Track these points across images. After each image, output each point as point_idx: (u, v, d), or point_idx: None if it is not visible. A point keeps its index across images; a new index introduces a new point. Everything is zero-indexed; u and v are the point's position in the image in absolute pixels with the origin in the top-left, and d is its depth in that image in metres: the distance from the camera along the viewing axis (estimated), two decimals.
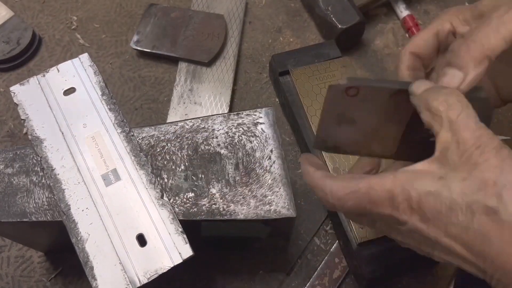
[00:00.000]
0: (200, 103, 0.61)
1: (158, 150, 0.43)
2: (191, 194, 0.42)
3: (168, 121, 0.60)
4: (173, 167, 0.43)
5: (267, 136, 0.44)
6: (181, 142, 0.44)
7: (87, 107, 0.44)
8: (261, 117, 0.45)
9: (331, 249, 0.53)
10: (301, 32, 0.68)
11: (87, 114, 0.44)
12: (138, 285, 0.37)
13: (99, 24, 0.69)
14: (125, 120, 0.44)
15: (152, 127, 0.45)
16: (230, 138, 0.44)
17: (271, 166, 0.43)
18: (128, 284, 0.37)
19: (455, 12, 0.37)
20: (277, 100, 0.63)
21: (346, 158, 0.52)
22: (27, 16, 0.70)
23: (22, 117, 0.44)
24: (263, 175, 0.42)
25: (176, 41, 0.64)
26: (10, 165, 0.43)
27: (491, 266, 0.29)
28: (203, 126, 0.45)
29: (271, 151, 0.43)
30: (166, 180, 0.42)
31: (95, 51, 0.67)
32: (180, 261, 0.38)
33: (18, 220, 0.41)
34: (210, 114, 0.53)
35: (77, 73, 0.46)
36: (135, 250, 0.38)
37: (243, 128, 0.44)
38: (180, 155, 0.43)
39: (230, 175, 0.42)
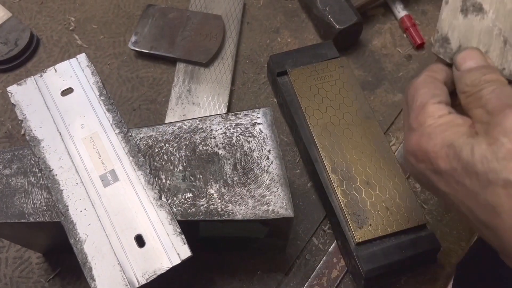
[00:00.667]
0: (198, 103, 0.61)
1: (156, 150, 0.44)
2: (189, 195, 0.42)
3: (166, 121, 0.60)
4: (171, 167, 0.43)
5: (265, 136, 0.44)
6: (179, 142, 0.44)
7: (85, 107, 0.44)
8: (259, 118, 0.45)
9: (330, 249, 0.53)
10: (299, 33, 0.68)
11: (85, 114, 0.44)
12: (137, 285, 0.37)
13: (97, 25, 0.69)
14: (123, 121, 0.44)
15: (150, 128, 0.45)
16: (228, 139, 0.44)
17: (269, 166, 0.43)
18: (126, 285, 0.37)
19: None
20: (275, 100, 0.63)
21: (344, 158, 0.52)
22: (25, 17, 0.70)
23: (20, 118, 0.44)
24: (261, 175, 0.42)
25: (174, 41, 0.64)
26: (8, 166, 0.43)
27: (497, 239, 0.27)
28: (201, 126, 0.45)
29: (269, 151, 0.43)
30: (164, 180, 0.42)
31: (93, 52, 0.67)
32: (179, 261, 0.38)
33: (16, 221, 0.41)
34: (208, 115, 0.53)
35: (75, 73, 0.46)
36: (134, 251, 0.38)
37: (241, 129, 0.44)
38: (178, 156, 0.43)
39: (228, 175, 0.42)
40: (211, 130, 0.44)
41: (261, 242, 0.49)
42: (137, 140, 0.44)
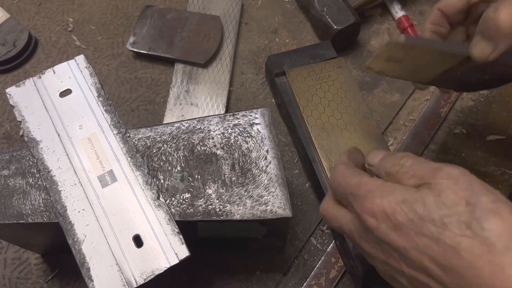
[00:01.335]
0: (197, 104, 0.61)
1: (154, 151, 0.44)
2: (187, 195, 0.42)
3: (164, 122, 0.60)
4: (169, 168, 0.43)
5: (263, 136, 0.44)
6: (177, 143, 0.44)
7: (83, 108, 0.44)
8: (257, 118, 0.45)
9: (328, 249, 0.53)
10: (297, 33, 0.68)
11: (83, 115, 0.44)
12: (135, 285, 0.37)
13: (95, 26, 0.69)
14: (121, 122, 0.44)
15: (148, 128, 0.45)
16: (226, 139, 0.44)
17: (267, 166, 0.43)
18: (124, 285, 0.37)
19: None
20: (273, 100, 0.63)
21: None
22: (23, 18, 0.70)
23: (18, 119, 0.44)
24: (259, 176, 0.42)
25: (172, 42, 0.65)
26: (6, 167, 0.43)
27: (460, 280, 0.29)
28: (199, 127, 0.45)
29: (267, 151, 0.43)
30: (162, 181, 0.42)
31: (92, 53, 0.67)
32: (177, 261, 0.38)
33: (15, 222, 0.41)
34: (206, 115, 0.53)
35: (73, 74, 0.46)
36: (132, 251, 0.38)
37: (239, 129, 0.44)
38: (176, 156, 0.43)
39: (226, 175, 0.42)
40: (209, 130, 0.44)
41: (260, 242, 0.49)
42: (135, 140, 0.44)
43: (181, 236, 0.39)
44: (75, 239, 0.39)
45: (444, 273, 0.30)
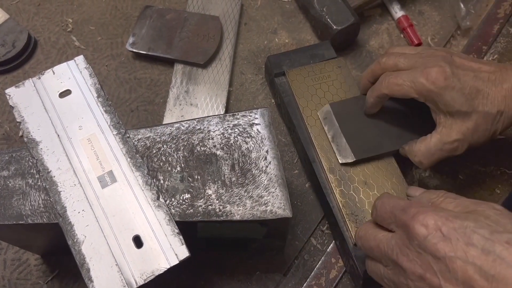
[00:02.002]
0: (196, 104, 0.61)
1: (154, 151, 0.44)
2: (187, 195, 0.42)
3: (164, 122, 0.60)
4: (169, 168, 0.43)
5: (262, 137, 0.44)
6: (177, 143, 0.44)
7: (83, 109, 0.44)
8: (256, 118, 0.45)
9: (328, 249, 0.53)
10: (297, 33, 0.68)
11: (83, 116, 0.44)
12: (135, 286, 0.37)
13: (94, 26, 0.69)
14: (120, 122, 0.44)
15: (148, 129, 0.45)
16: (226, 139, 0.44)
17: (267, 166, 0.43)
18: (124, 286, 0.37)
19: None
20: (273, 101, 0.63)
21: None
22: (22, 19, 0.70)
23: (18, 120, 0.44)
24: (259, 176, 0.42)
25: (172, 42, 0.64)
26: (6, 168, 0.43)
27: None
28: (199, 127, 0.45)
29: (267, 151, 0.43)
30: (162, 181, 0.42)
31: (91, 53, 0.67)
32: (177, 262, 0.38)
33: (14, 222, 0.41)
34: (206, 116, 0.53)
35: (73, 75, 0.46)
36: (132, 252, 0.38)
37: (239, 129, 0.44)
38: (176, 157, 0.43)
39: (226, 176, 0.42)
40: (209, 131, 0.44)
41: (260, 242, 0.49)
42: (135, 141, 0.44)
43: (181, 237, 0.39)
44: (75, 240, 0.39)
45: (488, 284, 0.31)
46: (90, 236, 0.39)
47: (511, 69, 0.46)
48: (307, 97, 0.56)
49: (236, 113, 0.45)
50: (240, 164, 0.43)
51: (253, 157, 0.43)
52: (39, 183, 0.42)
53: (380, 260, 0.39)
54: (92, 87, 0.45)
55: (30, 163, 0.43)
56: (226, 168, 0.43)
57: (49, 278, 0.52)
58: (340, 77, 0.57)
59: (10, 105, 0.44)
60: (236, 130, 0.44)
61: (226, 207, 0.41)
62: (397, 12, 0.68)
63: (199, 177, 0.42)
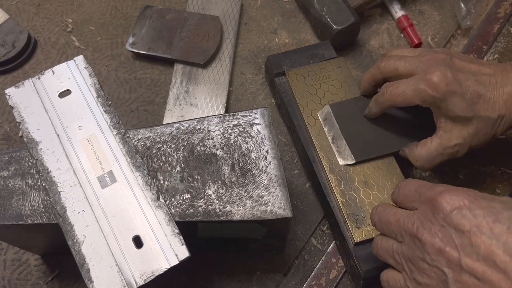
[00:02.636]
0: (196, 104, 0.61)
1: (154, 151, 0.44)
2: (187, 196, 0.42)
3: (164, 123, 0.60)
4: (169, 168, 0.43)
5: (263, 136, 0.44)
6: (177, 143, 0.44)
7: (83, 109, 0.44)
8: (256, 118, 0.45)
9: (328, 249, 0.53)
10: (297, 33, 0.68)
11: (83, 116, 0.44)
12: (135, 286, 0.37)
13: (94, 26, 0.69)
14: (120, 122, 0.44)
15: (148, 129, 0.45)
16: (226, 139, 0.44)
17: (267, 166, 0.43)
18: (124, 286, 0.37)
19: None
20: (273, 101, 0.63)
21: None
22: (22, 19, 0.70)
23: (17, 120, 0.44)
24: (259, 176, 0.42)
25: (172, 43, 0.64)
26: (6, 168, 0.43)
27: None
28: (198, 127, 0.45)
29: (267, 151, 0.43)
30: (162, 181, 0.42)
31: (91, 54, 0.67)
32: (177, 262, 0.38)
33: (14, 223, 0.41)
34: (206, 116, 0.53)
35: (72, 75, 0.46)
36: (132, 252, 0.38)
37: (239, 129, 0.44)
38: (176, 157, 0.43)
39: (226, 176, 0.42)
40: (209, 131, 0.44)
41: (260, 242, 0.49)
42: (135, 141, 0.44)
43: (181, 237, 0.39)
44: (75, 240, 0.39)
45: (511, 260, 0.31)
46: (90, 237, 0.39)
47: (511, 71, 0.46)
48: (307, 97, 0.56)
49: (236, 113, 0.45)
50: (240, 164, 0.43)
51: (253, 157, 0.43)
52: (39, 183, 0.42)
53: (395, 236, 0.38)
54: (92, 87, 0.45)
55: (30, 163, 0.43)
56: (226, 168, 0.43)
57: (49, 279, 0.52)
58: (340, 77, 0.57)
59: (10, 105, 0.44)
60: (236, 130, 0.44)
61: (226, 207, 0.41)
62: (397, 11, 0.68)
63: (199, 177, 0.42)
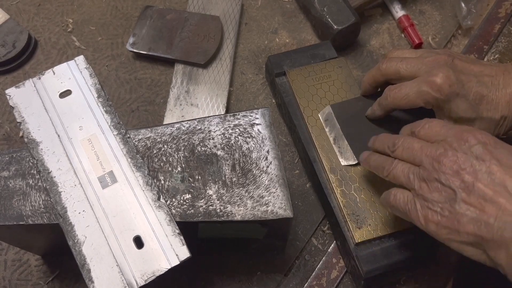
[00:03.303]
0: (197, 104, 0.61)
1: (155, 152, 0.43)
2: (188, 196, 0.42)
3: (164, 123, 0.60)
4: (170, 168, 0.43)
5: (263, 137, 0.44)
6: (177, 143, 0.44)
7: (83, 109, 0.44)
8: (257, 118, 0.45)
9: (329, 250, 0.53)
10: (297, 33, 0.68)
11: (83, 116, 0.44)
12: (136, 287, 0.37)
13: (94, 26, 0.69)
14: (121, 122, 0.44)
15: (149, 129, 0.45)
16: (227, 139, 0.44)
17: (267, 166, 0.43)
18: (125, 286, 0.37)
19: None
20: (273, 101, 0.63)
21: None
22: (22, 19, 0.70)
23: (18, 120, 0.44)
24: (259, 176, 0.42)
25: (172, 43, 0.64)
26: (6, 168, 0.43)
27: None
28: (199, 127, 0.45)
29: (268, 151, 0.43)
30: (162, 182, 0.42)
31: (91, 54, 0.67)
32: (177, 262, 0.38)
33: (15, 223, 0.40)
34: (207, 116, 0.53)
35: (73, 75, 0.46)
36: (132, 252, 0.38)
37: (239, 129, 0.44)
38: (176, 157, 0.43)
39: (227, 176, 0.42)
40: (210, 131, 0.44)
41: (260, 243, 0.49)
42: (135, 141, 0.44)
43: (181, 237, 0.39)
44: (76, 241, 0.39)
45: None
46: (90, 237, 0.39)
47: None
48: (307, 97, 0.56)
49: (237, 113, 0.45)
50: (241, 164, 0.43)
51: (253, 157, 0.43)
52: (40, 184, 0.42)
53: (413, 160, 0.41)
54: (92, 87, 0.45)
55: (31, 164, 0.43)
56: (227, 168, 0.43)
57: (50, 279, 0.52)
58: (341, 77, 0.57)
59: (11, 106, 0.44)
60: (237, 130, 0.44)
61: (227, 207, 0.41)
62: (398, 11, 0.68)
63: (199, 177, 0.42)
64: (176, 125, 0.45)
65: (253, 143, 0.44)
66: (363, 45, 0.67)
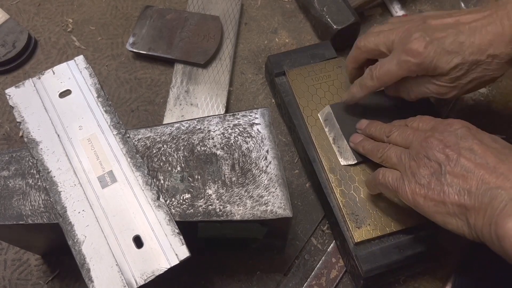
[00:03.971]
0: (197, 104, 0.61)
1: (154, 151, 0.44)
2: (187, 195, 0.42)
3: (164, 122, 0.60)
4: (169, 168, 0.43)
5: (263, 136, 0.44)
6: (177, 143, 0.44)
7: (83, 109, 0.44)
8: (257, 118, 0.45)
9: (328, 249, 0.53)
10: (297, 33, 0.68)
11: (83, 116, 0.44)
12: (135, 286, 0.37)
13: (94, 26, 0.69)
14: (121, 122, 0.44)
15: (148, 129, 0.45)
16: (226, 139, 0.44)
17: (267, 166, 0.43)
18: (125, 286, 0.37)
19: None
20: (273, 101, 0.63)
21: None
22: (22, 19, 0.70)
23: (18, 120, 0.44)
24: (259, 176, 0.42)
25: (172, 42, 0.64)
26: (6, 168, 0.43)
27: None
28: (199, 127, 0.45)
29: (267, 151, 0.43)
30: (162, 181, 0.42)
31: (91, 54, 0.67)
32: (177, 262, 0.38)
33: (14, 223, 0.41)
34: (206, 115, 0.53)
35: (73, 75, 0.46)
36: (132, 252, 0.38)
37: (239, 129, 0.44)
38: (176, 157, 0.43)
39: (226, 176, 0.42)
40: (209, 130, 0.44)
41: (260, 242, 0.49)
42: (135, 141, 0.44)
43: (181, 237, 0.39)
44: (75, 240, 0.39)
45: (497, 176, 0.38)
46: (90, 236, 0.39)
47: (500, 10, 0.44)
48: (307, 97, 0.56)
49: (236, 113, 0.45)
50: (241, 164, 0.43)
51: (253, 157, 0.43)
52: (39, 183, 0.42)
53: (405, 143, 0.45)
54: (92, 87, 0.45)
55: (30, 163, 0.43)
56: (226, 168, 0.43)
57: (50, 278, 0.52)
58: (341, 77, 0.57)
59: (10, 105, 0.44)
60: (236, 130, 0.44)
61: (227, 207, 0.41)
62: (398, 11, 0.68)
63: (199, 177, 0.42)
64: (176, 125, 0.45)
65: (253, 143, 0.44)
66: None
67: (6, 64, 0.65)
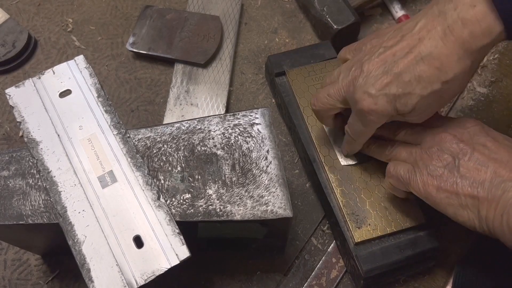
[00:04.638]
0: (197, 104, 0.61)
1: (155, 151, 0.43)
2: (187, 195, 0.42)
3: (164, 122, 0.60)
4: (170, 168, 0.43)
5: (263, 136, 0.44)
6: (177, 143, 0.44)
7: (83, 109, 0.44)
8: (257, 118, 0.45)
9: (329, 249, 0.53)
10: (297, 33, 0.68)
11: (83, 116, 0.44)
12: (135, 286, 0.37)
13: (94, 26, 0.69)
14: (121, 122, 0.44)
15: (148, 129, 0.45)
16: (227, 139, 0.44)
17: (267, 166, 0.43)
18: (125, 286, 0.37)
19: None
20: (273, 100, 0.63)
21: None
22: (22, 19, 0.70)
23: (18, 120, 0.44)
24: (259, 176, 0.42)
25: (172, 42, 0.64)
26: (6, 168, 0.43)
27: None
28: (199, 127, 0.45)
29: (268, 151, 0.43)
30: (162, 181, 0.42)
31: (91, 53, 0.67)
32: (177, 262, 0.38)
33: (15, 223, 0.41)
34: (207, 115, 0.53)
35: (73, 75, 0.46)
36: (132, 252, 0.38)
37: (239, 129, 0.44)
38: (176, 157, 0.43)
39: (226, 176, 0.42)
40: (210, 130, 0.44)
41: (260, 242, 0.49)
42: (135, 141, 0.44)
43: (181, 237, 0.39)
44: (75, 240, 0.39)
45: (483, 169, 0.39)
46: (90, 236, 0.39)
47: (438, 23, 0.39)
48: (307, 96, 0.56)
49: (237, 112, 0.45)
50: (241, 164, 0.43)
51: (253, 157, 0.43)
52: (39, 183, 0.42)
53: (419, 141, 0.44)
54: (92, 87, 0.45)
55: (30, 163, 0.43)
56: (226, 168, 0.43)
57: (50, 278, 0.52)
58: None
59: (10, 105, 0.44)
60: (237, 130, 0.44)
61: (227, 207, 0.41)
62: (398, 11, 0.68)
63: (199, 177, 0.42)
64: (176, 125, 0.45)
65: (253, 143, 0.44)
66: None
67: (6, 64, 0.65)
